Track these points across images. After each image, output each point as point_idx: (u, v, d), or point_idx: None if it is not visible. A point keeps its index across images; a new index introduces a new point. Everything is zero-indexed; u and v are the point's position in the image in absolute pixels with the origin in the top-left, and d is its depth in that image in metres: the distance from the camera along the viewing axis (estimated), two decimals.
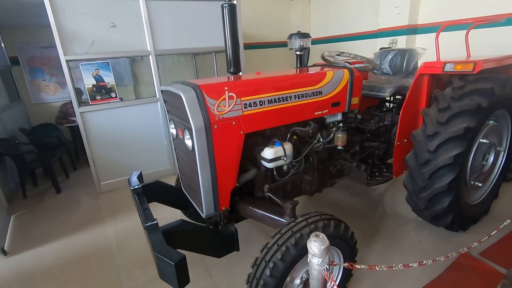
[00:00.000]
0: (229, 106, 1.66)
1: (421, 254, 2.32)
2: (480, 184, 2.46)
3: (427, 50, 2.82)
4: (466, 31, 2.51)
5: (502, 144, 2.59)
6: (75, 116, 5.03)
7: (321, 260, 1.05)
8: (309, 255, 1.10)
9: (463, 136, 2.04)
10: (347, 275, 1.82)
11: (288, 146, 1.87)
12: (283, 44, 7.69)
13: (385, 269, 1.22)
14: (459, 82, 2.19)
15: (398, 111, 2.82)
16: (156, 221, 1.61)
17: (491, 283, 1.97)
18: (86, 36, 3.36)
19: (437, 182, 2.14)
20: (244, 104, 1.72)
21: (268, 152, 1.81)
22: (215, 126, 1.63)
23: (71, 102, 5.14)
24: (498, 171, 2.65)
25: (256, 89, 1.77)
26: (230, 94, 1.66)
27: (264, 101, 1.79)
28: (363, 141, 2.66)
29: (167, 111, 2.05)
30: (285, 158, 1.85)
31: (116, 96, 3.68)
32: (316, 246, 1.04)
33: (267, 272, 1.42)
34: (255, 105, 1.76)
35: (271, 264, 1.43)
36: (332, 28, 6.51)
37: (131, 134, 3.88)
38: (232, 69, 2.16)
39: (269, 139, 1.98)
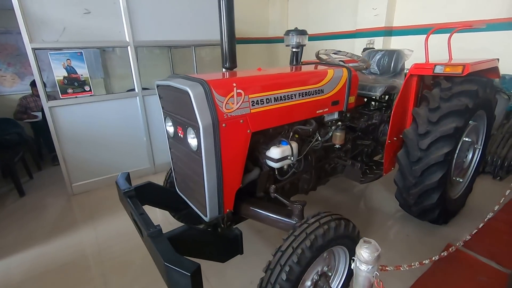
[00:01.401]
0: (237, 103, 1.58)
1: (411, 247, 2.42)
2: (460, 180, 2.63)
3: (413, 52, 2.93)
4: (444, 35, 2.65)
5: (478, 142, 2.78)
6: (37, 111, 4.62)
7: (371, 267, 1.03)
8: (357, 262, 1.07)
9: (452, 135, 2.15)
10: (351, 274, 1.84)
11: (295, 145, 1.84)
12: (261, 41, 7.67)
13: (407, 268, 1.24)
14: (446, 84, 2.30)
15: (386, 110, 2.93)
16: (159, 227, 1.48)
17: (477, 273, 2.11)
18: (56, 22, 3.02)
19: (428, 179, 2.24)
20: (252, 101, 1.64)
21: (275, 152, 1.76)
22: (223, 125, 1.54)
23: (32, 95, 4.68)
24: (473, 167, 2.85)
25: (263, 86, 1.70)
26: (238, 90, 1.57)
27: (270, 98, 1.73)
28: (354, 139, 2.70)
29: (163, 107, 1.91)
30: (292, 158, 1.81)
31: (90, 90, 3.38)
32: (367, 253, 1.01)
33: (283, 276, 1.38)
34: (262, 102, 1.69)
35: (287, 268, 1.38)
36: (311, 27, 6.57)
37: (107, 131, 3.60)
38: (227, 64, 2.07)
39: (272, 138, 1.93)
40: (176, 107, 1.70)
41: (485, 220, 2.10)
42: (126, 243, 2.57)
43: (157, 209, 2.64)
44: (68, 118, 3.33)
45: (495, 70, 2.59)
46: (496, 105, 2.71)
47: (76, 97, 3.30)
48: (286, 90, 1.80)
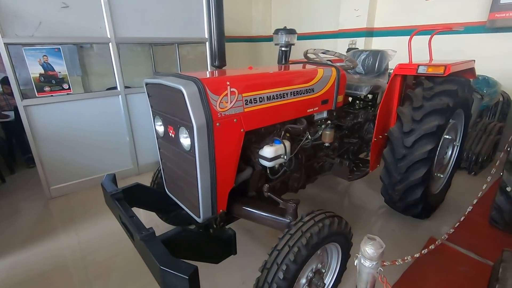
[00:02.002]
0: (231, 102, 1.56)
1: (397, 241, 2.51)
2: (441, 175, 2.75)
3: (397, 52, 3.03)
4: (426, 36, 2.76)
5: (457, 139, 2.92)
6: (8, 110, 4.35)
7: (375, 263, 1.04)
8: (361, 258, 1.09)
9: (435, 133, 2.24)
10: (343, 268, 1.87)
11: (288, 144, 1.84)
12: (244, 39, 7.64)
13: (401, 262, 1.27)
14: (428, 83, 2.39)
15: (371, 109, 3.01)
16: (152, 230, 1.44)
17: (458, 264, 2.21)
18: (31, 16, 2.85)
19: (412, 175, 2.32)
20: (245, 100, 1.63)
21: (268, 151, 1.75)
22: (217, 124, 1.51)
23: (2, 94, 4.41)
24: (452, 163, 2.99)
25: (256, 85, 1.69)
26: (232, 89, 1.55)
27: (263, 97, 1.72)
28: (341, 138, 2.75)
29: (152, 106, 1.85)
30: (285, 156, 1.81)
31: (69, 88, 3.21)
32: (372, 250, 1.03)
33: (280, 275, 1.38)
34: (255, 101, 1.68)
35: (284, 267, 1.38)
36: (293, 26, 6.60)
37: (87, 131, 3.44)
38: (217, 63, 2.05)
39: (263, 137, 1.92)
40: (167, 106, 1.65)
41: (466, 213, 2.21)
42: (111, 247, 2.48)
43: (141, 210, 2.57)
44: (45, 118, 3.15)
45: (472, 71, 2.73)
46: (472, 104, 2.85)
47: (53, 95, 3.13)
48: (279, 89, 1.80)
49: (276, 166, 2.07)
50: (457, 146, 2.95)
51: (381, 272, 1.07)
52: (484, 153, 3.68)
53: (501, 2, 3.63)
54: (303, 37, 6.39)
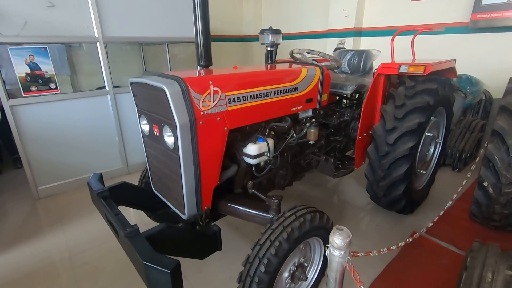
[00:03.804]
0: (214, 101, 1.59)
1: (381, 236, 2.58)
2: (424, 172, 2.83)
3: (381, 52, 3.10)
4: (411, 36, 2.84)
5: (439, 136, 3.01)
6: None
7: (343, 252, 1.09)
8: (331, 248, 1.13)
9: (416, 130, 2.31)
10: (326, 264, 1.92)
11: (271, 142, 1.88)
12: (235, 39, 7.66)
13: (376, 254, 1.33)
14: (410, 82, 2.46)
15: (357, 108, 3.07)
16: (136, 227, 1.46)
17: (439, 256, 2.29)
18: (16, 15, 2.83)
19: (395, 171, 2.39)
20: (229, 99, 1.66)
21: (252, 148, 1.79)
22: (200, 122, 1.54)
23: None
24: (435, 159, 3.08)
25: (240, 84, 1.73)
26: (215, 88, 1.58)
27: (247, 96, 1.76)
28: (328, 136, 2.81)
29: (137, 105, 1.87)
30: (268, 154, 1.85)
31: (56, 88, 3.20)
32: (340, 239, 1.08)
33: (262, 268, 1.42)
34: (238, 100, 1.72)
35: (265, 261, 1.42)
36: (284, 26, 6.67)
37: (75, 131, 3.43)
38: (203, 62, 2.07)
39: (248, 135, 1.96)
40: (152, 105, 1.67)
41: (445, 208, 2.29)
42: (99, 247, 2.49)
43: (131, 210, 2.59)
44: (32, 118, 3.13)
45: (452, 70, 2.81)
46: (454, 102, 2.94)
47: (40, 95, 3.12)
48: (262, 88, 1.84)
49: (262, 163, 2.11)
50: (440, 143, 3.04)
51: (349, 260, 1.12)
52: (467, 149, 3.78)
53: (482, 3, 3.74)
54: (293, 36, 6.45)
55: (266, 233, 1.51)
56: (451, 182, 3.51)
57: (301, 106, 2.18)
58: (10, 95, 2.98)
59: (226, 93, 1.65)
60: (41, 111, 3.16)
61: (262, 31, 2.38)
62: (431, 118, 2.70)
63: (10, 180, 3.87)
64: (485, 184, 2.27)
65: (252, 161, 1.83)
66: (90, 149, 3.57)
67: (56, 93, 3.21)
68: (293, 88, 2.05)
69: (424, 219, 2.79)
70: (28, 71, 2.99)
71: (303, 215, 1.58)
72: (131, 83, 1.79)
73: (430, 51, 4.33)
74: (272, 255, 1.43)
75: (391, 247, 1.54)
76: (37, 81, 3.07)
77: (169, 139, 1.59)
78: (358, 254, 1.19)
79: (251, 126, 1.95)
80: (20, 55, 2.92)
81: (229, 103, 1.67)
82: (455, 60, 2.83)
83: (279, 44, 2.45)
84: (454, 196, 2.43)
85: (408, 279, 2.09)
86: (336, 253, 1.11)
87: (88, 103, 3.46)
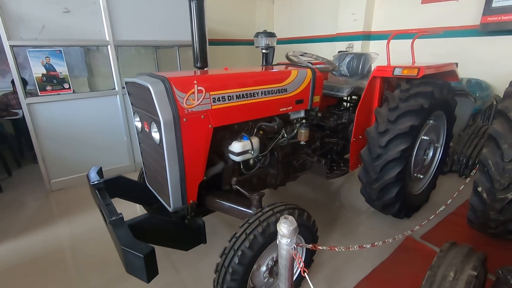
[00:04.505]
0: (198, 99, 1.68)
1: (374, 239, 2.53)
2: (421, 176, 2.78)
3: (379, 55, 3.09)
4: (411, 40, 2.82)
5: (439, 141, 2.95)
6: (18, 108, 4.62)
7: (289, 240, 1.14)
8: (279, 237, 1.18)
9: (409, 133, 2.29)
10: (309, 261, 1.95)
11: (255, 140, 1.95)
12: (248, 42, 7.79)
13: (343, 249, 1.35)
14: (405, 85, 2.45)
15: (355, 110, 3.06)
16: (121, 215, 1.57)
17: (430, 261, 2.24)
18: (35, 20, 3.07)
19: (387, 174, 2.38)
20: (213, 98, 1.75)
21: (236, 146, 1.86)
22: (184, 119, 1.64)
23: (13, 93, 4.69)
24: (436, 164, 3.02)
25: (225, 84, 1.81)
26: (199, 88, 1.68)
27: (232, 96, 1.83)
28: (323, 137, 2.83)
29: (132, 103, 1.99)
30: (252, 152, 1.92)
31: (69, 87, 3.43)
32: (285, 227, 1.13)
33: (236, 260, 1.48)
34: (223, 99, 1.80)
35: (239, 252, 1.48)
36: (294, 30, 6.75)
37: (86, 129, 3.65)
38: (199, 64, 2.17)
39: (237, 133, 2.03)
40: (142, 103, 1.79)
41: (437, 212, 2.25)
42: (100, 238, 2.62)
43: (137, 204, 2.71)
44: (47, 115, 3.37)
45: (453, 73, 2.76)
46: (455, 106, 2.88)
47: (54, 94, 3.35)
48: (248, 88, 1.91)
49: (251, 161, 2.18)
50: (440, 148, 2.98)
51: (295, 248, 1.15)
52: (475, 156, 3.66)
53: (493, 6, 3.63)
54: (302, 40, 6.50)
55: (243, 227, 1.58)
56: (456, 189, 3.40)
57: (291, 107, 2.23)
58: (28, 94, 3.23)
59: (211, 93, 1.73)
60: (55, 109, 3.39)
61: (257, 34, 2.46)
62: (429, 121, 2.67)
63: (28, 173, 4.16)
64: (479, 189, 2.21)
65: (236, 158, 1.90)
66: (99, 146, 3.78)
67: (69, 93, 3.43)
68: (282, 89, 2.11)
69: (424, 224, 2.73)
70: (44, 71, 3.23)
71: (280, 211, 1.62)
72: (126, 83, 1.92)
73: (440, 55, 4.24)
74: (246, 247, 1.49)
75: (364, 245, 1.55)
76: (52, 81, 3.30)
77: (155, 135, 1.69)
78: (319, 247, 1.22)
79: (239, 125, 2.03)
80: (37, 57, 3.17)
81: (213, 102, 1.75)
82: (456, 63, 2.78)
83: (273, 47, 2.52)
84: (449, 201, 2.38)
85: (394, 283, 2.08)
86: (284, 241, 1.15)
87: (99, 102, 3.67)
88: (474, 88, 3.91)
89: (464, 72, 3.84)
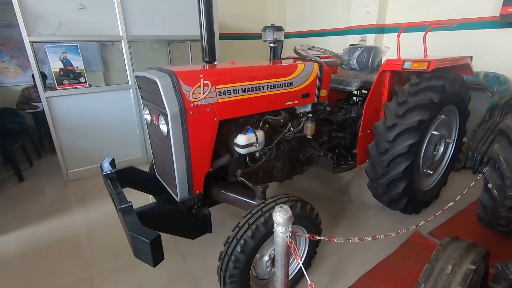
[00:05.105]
0: (204, 93, 1.73)
1: (379, 234, 2.54)
2: (431, 172, 2.74)
3: (390, 49, 3.04)
4: (424, 32, 2.75)
5: (451, 137, 2.89)
6: (39, 102, 4.83)
7: (284, 228, 1.18)
8: (274, 225, 1.22)
9: (417, 128, 2.26)
10: (313, 252, 1.98)
11: (260, 133, 1.98)
12: (259, 36, 7.78)
13: (342, 241, 1.38)
14: (416, 79, 2.41)
15: (363, 104, 3.04)
16: (130, 203, 1.65)
17: None
18: (52, 16, 3.20)
19: (394, 169, 2.36)
20: (219, 92, 1.79)
21: (241, 139, 1.90)
22: (190, 112, 1.69)
23: (33, 87, 4.89)
24: (447, 160, 2.96)
25: (230, 78, 1.84)
26: (205, 81, 1.72)
27: (238, 89, 1.87)
28: (330, 132, 2.83)
29: (142, 97, 2.07)
30: (257, 145, 1.95)
31: (85, 82, 3.56)
32: (280, 215, 1.17)
33: (238, 248, 1.53)
34: (229, 93, 1.84)
35: (242, 241, 1.53)
36: (306, 23, 6.68)
37: (101, 122, 3.78)
38: (207, 58, 2.21)
39: (243, 126, 2.07)
40: (151, 96, 1.85)
41: (444, 208, 2.22)
42: (113, 225, 2.75)
43: (149, 195, 2.80)
44: (65, 108, 3.52)
45: (466, 67, 2.68)
46: (469, 101, 2.80)
47: (71, 88, 3.49)
48: (254, 82, 1.94)
49: (257, 154, 2.22)
50: (452, 143, 2.91)
51: (290, 236, 1.19)
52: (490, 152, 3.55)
53: None
54: (314, 34, 6.43)
55: (246, 217, 1.62)
56: (468, 186, 3.33)
57: (297, 101, 2.24)
58: (46, 88, 3.38)
59: (217, 86, 1.78)
60: (72, 103, 3.54)
61: (264, 28, 2.47)
62: (440, 116, 2.62)
63: (47, 164, 4.37)
64: (490, 186, 2.17)
65: (241, 151, 1.94)
66: (114, 138, 3.91)
67: (85, 87, 3.56)
68: (288, 83, 2.12)
69: (430, 221, 2.70)
70: (62, 66, 3.37)
71: (283, 202, 1.66)
72: (136, 77, 1.99)
73: (455, 49, 4.11)
74: (248, 237, 1.54)
75: (377, 237, 1.56)
76: (69, 75, 3.43)
77: (163, 127, 1.75)
78: (316, 237, 1.25)
79: (245, 118, 2.06)
80: (55, 52, 3.30)
81: (219, 95, 1.79)
82: (470, 56, 2.70)
83: (281, 41, 2.52)
84: (458, 198, 2.35)
85: (398, 277, 2.08)
86: (279, 228, 1.19)
87: (113, 96, 3.79)
88: (491, 82, 3.77)
89: (481, 66, 3.71)
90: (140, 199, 2.41)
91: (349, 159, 2.94)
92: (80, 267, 2.27)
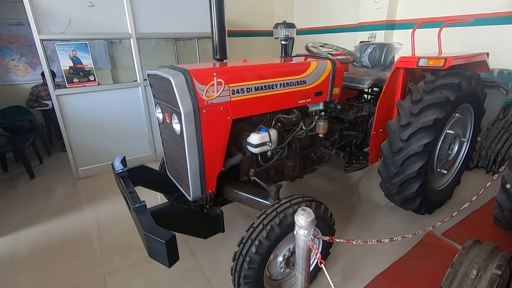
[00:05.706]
0: (217, 91, 1.70)
1: (392, 234, 2.49)
2: (445, 172, 2.69)
3: (403, 45, 2.97)
4: (439, 29, 2.69)
5: (465, 135, 2.82)
6: (48, 99, 4.86)
7: (307, 231, 1.16)
8: (296, 228, 1.20)
9: (432, 127, 2.21)
10: (326, 253, 1.96)
11: (274, 132, 1.95)
12: (267, 33, 7.71)
13: (361, 243, 1.35)
14: (431, 77, 2.35)
15: (376, 102, 2.98)
16: (144, 203, 1.64)
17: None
18: (62, 14, 3.20)
19: (408, 168, 2.31)
20: (232, 90, 1.76)
21: (254, 138, 1.88)
22: (204, 111, 1.67)
23: (43, 85, 4.93)
24: (461, 160, 2.90)
25: (244, 76, 1.82)
26: (218, 80, 1.69)
27: (251, 88, 1.84)
28: (342, 130, 2.79)
29: (153, 95, 2.05)
30: (270, 144, 1.93)
31: (94, 80, 3.56)
32: (303, 219, 1.14)
33: (253, 249, 1.51)
34: (242, 91, 1.81)
35: (256, 242, 1.51)
36: (314, 20, 6.59)
37: (110, 119, 3.79)
38: (218, 56, 2.18)
39: (255, 125, 2.05)
40: (163, 94, 1.83)
41: (460, 209, 2.18)
42: (124, 222, 2.76)
43: (157, 193, 2.81)
44: (74, 106, 3.53)
45: (483, 64, 2.61)
46: (484, 99, 2.74)
47: (81, 86, 3.49)
48: (267, 80, 1.91)
49: (269, 153, 2.19)
50: (467, 142, 2.85)
51: (312, 240, 1.16)
52: (504, 151, 3.48)
53: None
54: (323, 30, 6.35)
55: (260, 217, 1.60)
56: (482, 186, 3.26)
57: (310, 99, 2.20)
58: (56, 85, 3.39)
59: (230, 85, 1.75)
60: (81, 101, 3.55)
61: (276, 25, 2.43)
62: (456, 114, 2.56)
63: (57, 161, 4.40)
64: (508, 186, 2.11)
65: (254, 150, 1.92)
66: (122, 136, 3.92)
67: (94, 85, 3.57)
68: (301, 81, 2.09)
69: (446, 221, 2.66)
70: (71, 64, 3.37)
71: (298, 203, 1.63)
72: (148, 75, 1.98)
73: (469, 45, 4.02)
74: (263, 237, 1.52)
75: (394, 238, 1.53)
76: (78, 73, 3.44)
77: (176, 126, 1.73)
78: (336, 240, 1.23)
79: (258, 117, 2.04)
80: (65, 50, 3.30)
81: (232, 94, 1.77)
82: (487, 53, 2.63)
83: (292, 38, 2.48)
84: (474, 198, 2.29)
85: (413, 279, 2.05)
86: (301, 232, 1.17)
87: (122, 94, 3.79)
88: (506, 79, 3.69)
89: (496, 63, 3.62)
90: (149, 197, 2.42)
91: (361, 158, 2.90)
92: (92, 264, 2.28)
